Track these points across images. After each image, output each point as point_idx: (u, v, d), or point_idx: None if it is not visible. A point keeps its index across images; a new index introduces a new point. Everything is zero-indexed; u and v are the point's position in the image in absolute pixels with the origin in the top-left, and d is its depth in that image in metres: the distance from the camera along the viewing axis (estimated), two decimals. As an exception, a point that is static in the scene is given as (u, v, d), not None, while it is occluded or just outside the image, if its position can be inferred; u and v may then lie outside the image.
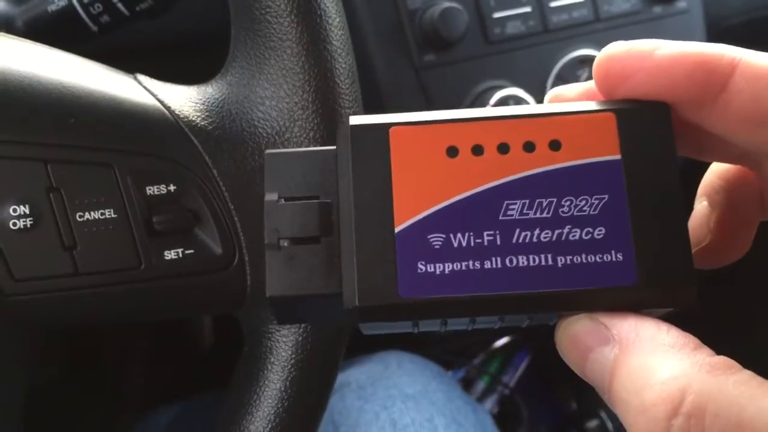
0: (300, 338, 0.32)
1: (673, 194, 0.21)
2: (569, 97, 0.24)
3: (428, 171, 0.21)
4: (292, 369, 0.32)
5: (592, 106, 0.22)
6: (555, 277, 0.21)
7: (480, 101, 0.55)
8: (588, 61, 0.57)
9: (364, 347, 0.63)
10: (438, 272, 0.21)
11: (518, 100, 0.55)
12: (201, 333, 0.75)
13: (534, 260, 0.21)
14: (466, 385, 0.89)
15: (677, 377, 0.18)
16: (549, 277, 0.21)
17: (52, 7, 0.40)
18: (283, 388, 0.32)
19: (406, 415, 0.54)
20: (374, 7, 0.54)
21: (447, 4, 0.53)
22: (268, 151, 0.23)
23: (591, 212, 0.21)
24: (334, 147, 0.23)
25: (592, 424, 0.86)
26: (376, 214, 0.21)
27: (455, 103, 0.56)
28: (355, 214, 0.21)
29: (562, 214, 0.21)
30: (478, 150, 0.21)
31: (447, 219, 0.21)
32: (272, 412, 0.32)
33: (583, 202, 0.21)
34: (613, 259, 0.21)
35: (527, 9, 0.57)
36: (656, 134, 0.21)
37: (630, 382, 0.19)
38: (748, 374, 0.18)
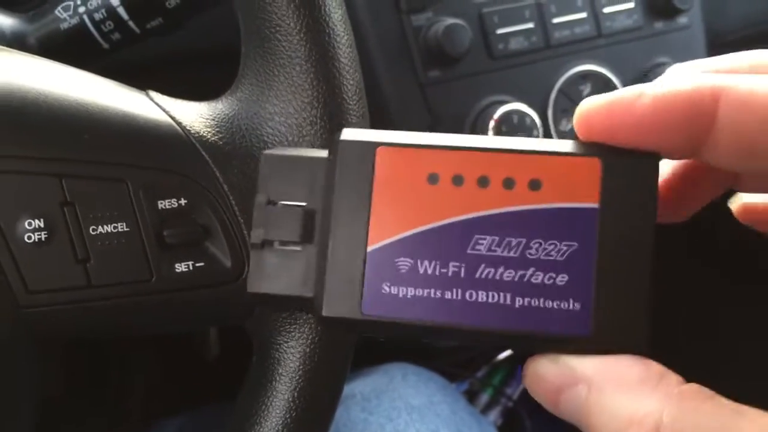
0: (308, 349, 0.32)
1: (645, 251, 0.21)
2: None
3: (407, 195, 0.22)
4: (300, 380, 0.32)
5: (581, 148, 0.22)
6: (509, 317, 0.21)
7: (484, 116, 0.56)
8: (590, 76, 0.58)
9: (369, 360, 0.63)
10: (401, 295, 0.22)
11: (521, 115, 0.56)
12: (206, 343, 0.75)
13: (493, 297, 0.21)
14: (470, 397, 0.89)
15: (650, 413, 0.19)
16: (504, 315, 0.21)
17: (64, 25, 0.41)
18: (290, 399, 0.32)
19: (411, 427, 0.54)
20: (379, 24, 0.54)
21: (451, 21, 0.54)
22: (265, 152, 0.24)
23: (558, 258, 0.21)
24: (326, 154, 0.23)
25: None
26: (353, 230, 0.22)
27: (460, 118, 0.56)
28: (332, 227, 0.22)
29: (528, 255, 0.21)
30: (458, 180, 0.22)
31: (417, 245, 0.22)
32: (280, 422, 0.32)
33: (552, 247, 0.21)
34: (571, 307, 0.21)
35: (530, 25, 0.58)
36: (639, 187, 0.21)
37: (607, 421, 0.19)
38: (717, 402, 0.19)
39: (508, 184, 0.21)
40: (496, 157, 0.22)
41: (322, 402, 0.33)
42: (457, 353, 0.89)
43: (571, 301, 0.21)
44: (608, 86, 0.58)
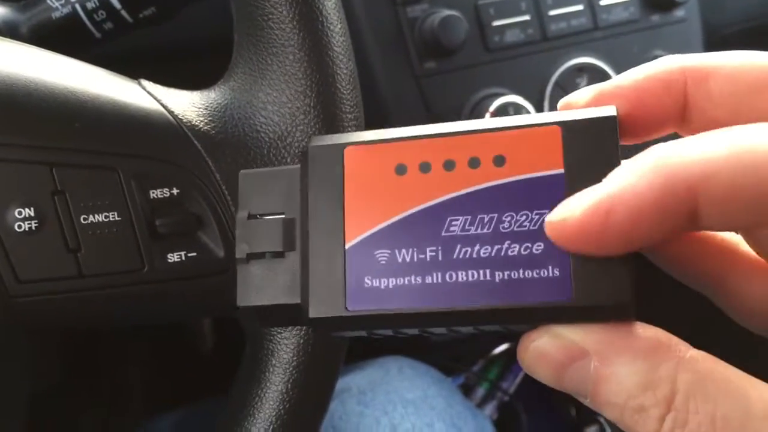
0: (301, 340, 0.32)
1: None
2: (580, 105, 0.23)
3: (378, 188, 0.22)
4: (294, 371, 0.32)
5: (540, 119, 0.22)
6: (492, 293, 0.21)
7: (479, 108, 0.56)
8: (586, 69, 0.58)
9: (365, 353, 0.63)
10: (383, 287, 0.22)
11: (517, 108, 0.56)
12: (201, 335, 0.75)
13: (473, 275, 0.21)
14: (466, 391, 0.89)
15: (663, 379, 0.19)
16: (486, 292, 0.21)
17: (56, 14, 0.41)
18: (284, 390, 0.32)
19: (406, 420, 0.54)
20: (375, 15, 0.54)
21: (447, 13, 0.54)
22: (242, 171, 0.24)
23: (531, 227, 0.21)
24: (299, 166, 0.24)
25: (591, 430, 0.86)
26: (330, 230, 0.22)
27: (455, 110, 0.56)
28: (310, 230, 0.23)
29: (502, 229, 0.21)
30: (425, 167, 0.22)
31: (393, 235, 0.22)
32: (273, 414, 0.32)
33: (524, 217, 0.21)
34: (550, 274, 0.21)
35: (526, 17, 0.57)
36: (601, 147, 0.21)
37: (621, 390, 0.19)
38: (729, 370, 0.19)
39: (474, 163, 0.22)
40: (459, 140, 0.22)
41: (316, 394, 0.33)
42: (453, 347, 0.88)
43: (550, 267, 0.21)
44: (604, 79, 0.57)
